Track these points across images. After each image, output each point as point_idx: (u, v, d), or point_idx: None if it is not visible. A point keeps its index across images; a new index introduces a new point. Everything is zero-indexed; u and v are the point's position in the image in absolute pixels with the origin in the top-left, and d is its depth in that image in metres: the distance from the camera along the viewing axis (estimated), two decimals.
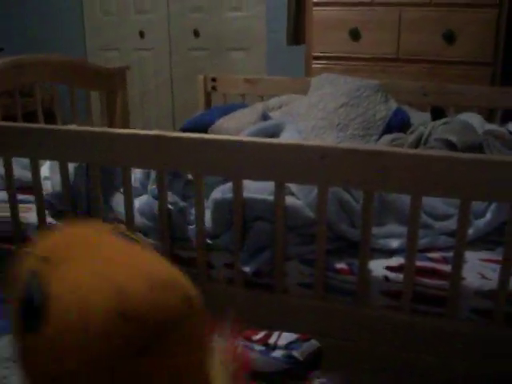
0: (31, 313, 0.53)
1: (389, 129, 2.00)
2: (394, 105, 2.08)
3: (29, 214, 1.71)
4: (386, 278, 1.34)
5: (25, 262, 0.58)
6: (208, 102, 2.58)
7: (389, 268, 1.36)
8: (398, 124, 2.03)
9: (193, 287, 0.55)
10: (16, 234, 1.67)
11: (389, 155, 1.23)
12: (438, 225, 1.47)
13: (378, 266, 1.37)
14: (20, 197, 1.71)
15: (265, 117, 1.96)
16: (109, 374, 0.48)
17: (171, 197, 1.51)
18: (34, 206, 1.69)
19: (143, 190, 1.64)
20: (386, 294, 1.35)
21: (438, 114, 2.18)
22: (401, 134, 1.93)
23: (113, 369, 0.48)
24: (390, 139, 1.90)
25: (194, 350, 0.52)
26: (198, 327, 0.52)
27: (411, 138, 1.85)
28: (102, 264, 0.53)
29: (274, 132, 1.66)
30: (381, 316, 1.33)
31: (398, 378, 1.32)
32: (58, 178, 1.63)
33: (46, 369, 0.51)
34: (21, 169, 1.89)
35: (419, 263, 1.31)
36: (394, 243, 1.43)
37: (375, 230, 1.40)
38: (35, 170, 1.59)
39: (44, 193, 1.65)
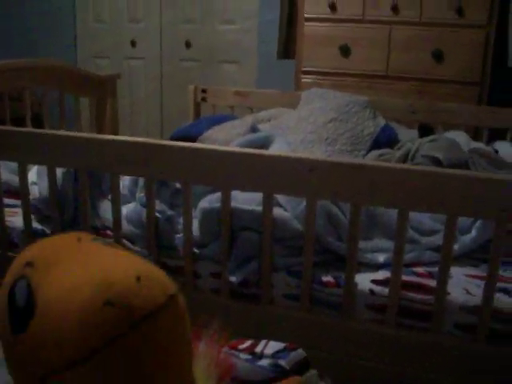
0: (18, 315, 0.54)
1: (376, 145, 2.02)
2: (382, 121, 2.10)
3: (15, 219, 1.70)
4: (372, 292, 1.35)
5: (11, 269, 0.60)
6: (197, 113, 2.59)
7: (374, 281, 1.37)
8: (385, 140, 2.04)
9: (174, 284, 0.58)
10: (1, 239, 1.66)
11: (376, 169, 1.24)
12: (424, 240, 1.48)
13: (364, 280, 1.37)
14: (7, 201, 1.70)
15: (254, 129, 1.96)
16: (93, 364, 0.50)
17: (159, 205, 1.51)
18: (20, 211, 1.68)
19: (131, 197, 1.64)
20: (371, 307, 1.35)
21: (425, 131, 2.21)
22: (388, 150, 1.95)
23: (98, 355, 0.50)
24: (378, 154, 1.92)
25: (175, 343, 0.54)
26: (179, 322, 0.55)
27: (398, 153, 1.87)
28: (86, 262, 0.56)
29: (264, 144, 1.67)
30: (366, 329, 1.33)
31: None
32: (45, 182, 1.62)
33: (33, 368, 0.52)
34: (8, 173, 1.88)
35: (405, 277, 1.32)
36: (381, 257, 1.44)
37: (362, 244, 1.41)
38: (23, 175, 1.58)
39: (31, 197, 1.64)
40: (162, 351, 0.53)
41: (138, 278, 0.52)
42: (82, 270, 0.54)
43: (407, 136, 2.07)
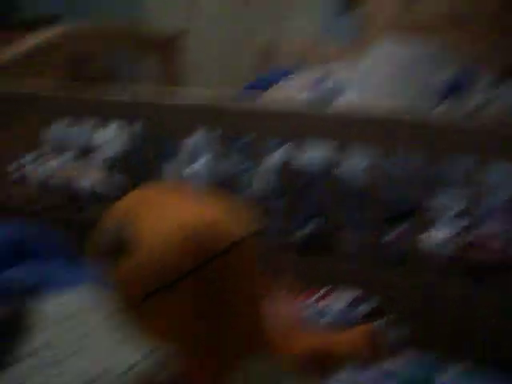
0: (119, 247, 0.64)
1: (448, 94, 1.95)
2: (453, 68, 2.02)
3: (88, 176, 1.76)
4: (439, 246, 1.33)
5: (105, 222, 0.69)
6: (262, 68, 2.57)
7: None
8: (457, 88, 1.97)
9: (251, 223, 0.69)
10: (69, 201, 1.72)
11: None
12: None
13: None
14: (79, 160, 1.76)
15: (320, 83, 1.94)
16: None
17: (227, 160, 1.53)
18: (93, 169, 1.74)
19: (202, 155, 1.67)
20: (437, 261, 1.33)
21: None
22: (459, 101, 1.89)
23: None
24: (447, 106, 1.86)
25: (250, 280, 0.65)
26: (253, 261, 0.67)
27: (471, 104, 1.81)
28: (173, 208, 0.66)
29: (331, 97, 1.65)
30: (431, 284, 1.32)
31: None
32: (116, 142, 1.67)
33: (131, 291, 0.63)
34: (79, 132, 1.94)
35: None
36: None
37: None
38: (94, 135, 1.63)
39: (102, 157, 1.69)
40: (239, 285, 0.63)
41: (214, 221, 0.62)
42: (162, 220, 0.63)
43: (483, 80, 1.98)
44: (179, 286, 0.59)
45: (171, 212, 0.65)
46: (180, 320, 0.61)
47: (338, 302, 0.97)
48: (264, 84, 2.15)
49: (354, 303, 0.96)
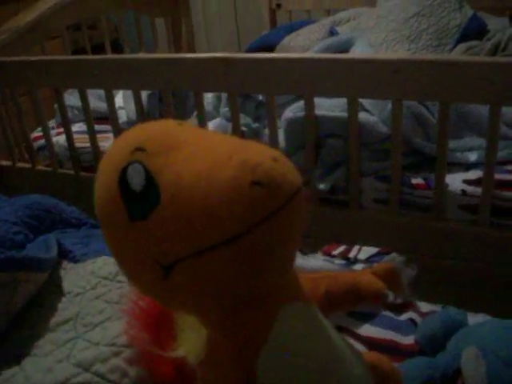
0: (135, 200, 0.50)
1: (464, 37, 1.90)
2: (469, 11, 1.97)
3: (107, 143, 1.78)
4: (464, 192, 1.32)
5: (112, 155, 0.55)
6: (273, 21, 2.53)
7: (466, 181, 1.34)
8: (473, 31, 1.92)
9: None
10: (97, 163, 1.74)
11: (465, 64, 1.17)
12: None
13: (454, 180, 1.34)
14: (97, 127, 1.77)
15: (333, 32, 1.90)
16: (231, 248, 0.47)
17: (244, 118, 1.52)
18: (111, 135, 1.75)
19: (216, 112, 1.66)
20: (463, 208, 1.33)
21: None
22: (476, 42, 1.84)
23: (234, 241, 0.47)
24: (466, 48, 1.82)
25: (300, 230, 0.52)
26: (305, 208, 0.51)
27: (488, 44, 1.76)
28: (209, 145, 0.51)
29: (345, 47, 1.62)
30: (458, 230, 1.32)
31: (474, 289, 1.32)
32: (132, 106, 1.67)
33: (157, 256, 0.50)
34: (96, 100, 1.94)
35: (498, 176, 1.28)
36: (472, 156, 1.39)
37: (452, 144, 1.37)
38: (110, 101, 1.63)
39: (119, 121, 1.70)
40: (293, 235, 0.50)
41: (275, 160, 0.47)
42: (210, 153, 0.49)
43: (497, 25, 1.93)
44: (239, 241, 0.47)
45: (214, 148, 0.50)
46: (217, 281, 0.49)
47: (360, 254, 0.97)
48: (273, 39, 2.12)
49: (376, 256, 0.97)
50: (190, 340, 0.60)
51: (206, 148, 0.50)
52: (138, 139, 0.53)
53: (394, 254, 0.77)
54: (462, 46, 1.83)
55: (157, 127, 0.55)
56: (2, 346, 0.75)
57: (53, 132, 1.91)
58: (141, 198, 0.50)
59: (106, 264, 0.87)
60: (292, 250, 0.53)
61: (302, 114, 1.40)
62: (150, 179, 0.49)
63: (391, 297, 0.59)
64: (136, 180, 0.50)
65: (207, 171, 0.47)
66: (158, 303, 0.62)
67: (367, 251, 0.99)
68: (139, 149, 0.51)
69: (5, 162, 1.95)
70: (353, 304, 0.64)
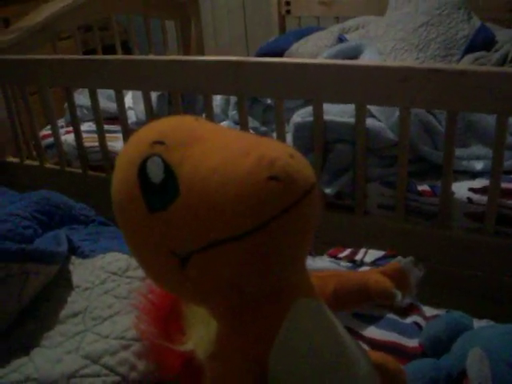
0: (153, 192, 0.51)
1: (472, 48, 1.92)
2: (477, 22, 1.98)
3: (116, 143, 1.79)
4: (470, 200, 1.33)
5: (130, 149, 0.55)
6: (282, 27, 2.54)
7: (472, 190, 1.34)
8: (481, 42, 1.93)
9: None
10: (105, 163, 1.76)
11: (473, 74, 1.19)
12: None
13: (461, 188, 1.35)
14: (106, 127, 1.78)
15: (341, 39, 1.92)
16: (246, 241, 0.48)
17: (251, 122, 1.53)
18: (119, 135, 1.76)
19: (224, 115, 1.67)
20: (469, 216, 1.34)
21: None
22: (484, 53, 1.85)
23: (250, 235, 0.48)
24: (473, 59, 1.83)
25: (313, 227, 0.53)
26: (319, 204, 0.52)
27: (496, 56, 1.77)
28: (226, 141, 0.52)
29: (353, 54, 1.64)
30: (463, 238, 1.33)
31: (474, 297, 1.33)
32: (141, 107, 1.68)
33: (174, 247, 0.51)
34: (105, 100, 1.96)
35: (504, 185, 1.29)
36: (478, 165, 1.40)
37: (458, 152, 1.38)
38: (120, 101, 1.64)
39: (129, 122, 1.71)
40: (306, 232, 0.52)
41: (292, 156, 0.48)
42: (227, 148, 0.50)
43: (505, 37, 1.94)
44: (255, 235, 0.47)
45: (231, 143, 0.51)
46: (231, 275, 0.50)
47: (366, 257, 0.98)
48: (282, 44, 2.13)
49: (382, 259, 0.98)
50: (199, 334, 0.61)
51: (223, 143, 0.51)
52: (156, 133, 0.54)
53: (399, 257, 0.77)
54: (470, 57, 1.84)
55: (174, 122, 0.56)
56: (11, 337, 0.76)
57: (62, 131, 1.93)
58: (160, 190, 0.50)
59: (116, 259, 0.88)
60: (305, 246, 0.53)
61: (310, 118, 1.41)
62: (169, 172, 0.50)
63: (399, 296, 0.60)
64: (155, 172, 0.51)
65: (224, 165, 0.48)
66: (172, 295, 0.62)
67: (373, 254, 1.00)
68: (158, 142, 0.52)
69: (13, 159, 1.96)
70: (361, 303, 0.65)
